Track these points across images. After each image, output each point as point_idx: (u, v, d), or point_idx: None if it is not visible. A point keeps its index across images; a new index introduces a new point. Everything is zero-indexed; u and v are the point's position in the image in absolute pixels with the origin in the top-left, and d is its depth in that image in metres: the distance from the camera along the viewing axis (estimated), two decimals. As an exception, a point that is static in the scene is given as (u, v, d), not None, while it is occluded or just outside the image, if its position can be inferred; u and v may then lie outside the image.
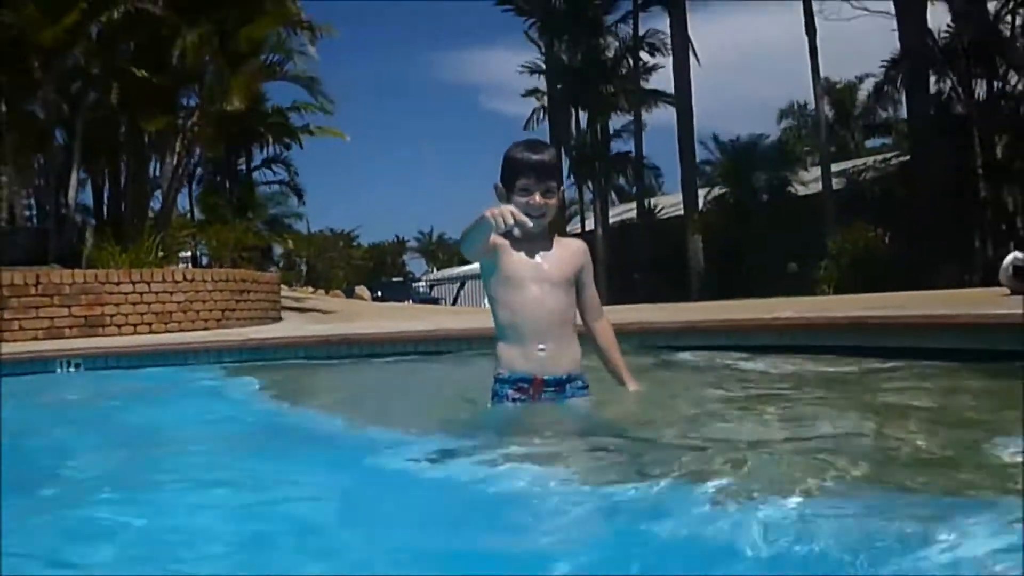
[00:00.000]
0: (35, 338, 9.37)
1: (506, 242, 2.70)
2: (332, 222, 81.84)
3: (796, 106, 37.85)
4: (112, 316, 9.96)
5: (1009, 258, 8.14)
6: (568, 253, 2.81)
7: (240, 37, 12.69)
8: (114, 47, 12.94)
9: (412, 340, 6.47)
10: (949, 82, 22.60)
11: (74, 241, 12.89)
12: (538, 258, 2.72)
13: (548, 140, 28.85)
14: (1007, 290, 8.12)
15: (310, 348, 6.79)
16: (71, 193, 13.32)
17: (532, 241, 2.73)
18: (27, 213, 14.14)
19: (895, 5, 19.39)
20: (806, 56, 22.11)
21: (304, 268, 29.76)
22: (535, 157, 2.73)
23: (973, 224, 21.23)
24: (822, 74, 23.10)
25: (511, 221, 2.46)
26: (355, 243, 63.49)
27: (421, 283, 49.03)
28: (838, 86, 30.25)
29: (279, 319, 12.75)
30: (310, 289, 24.28)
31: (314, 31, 15.41)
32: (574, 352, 2.74)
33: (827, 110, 32.50)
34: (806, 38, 22.16)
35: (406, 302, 30.94)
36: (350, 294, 24.34)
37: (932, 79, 22.22)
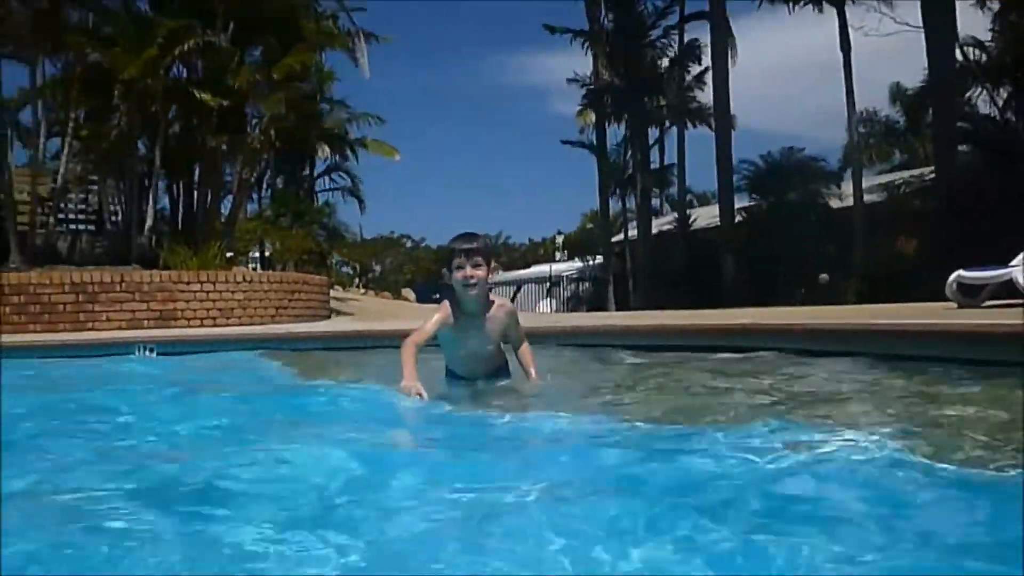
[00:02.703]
0: (119, 327, 11.04)
1: (451, 321, 3.86)
2: (397, 226, 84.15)
3: (865, 112, 36.58)
4: (183, 311, 11.60)
5: (953, 275, 9.12)
6: (496, 321, 4.00)
7: (282, 65, 14.35)
8: (188, 76, 14.75)
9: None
10: (985, 94, 23.01)
11: (152, 244, 14.65)
12: (473, 341, 3.96)
13: (596, 151, 30.11)
14: (955, 304, 9.11)
15: (327, 339, 8.28)
16: (151, 201, 15.11)
17: (469, 316, 3.89)
18: (113, 218, 15.96)
19: (923, 21, 19.90)
20: (866, 64, 22.22)
21: (355, 272, 31.50)
22: (464, 245, 3.88)
23: (1004, 241, 21.58)
24: (894, 79, 23.06)
25: (414, 395, 3.36)
26: (423, 245, 65.59)
27: (492, 276, 50.58)
28: (908, 92, 29.73)
29: (328, 316, 14.30)
30: (361, 291, 25.95)
31: (356, 47, 16.99)
32: (500, 367, 4.13)
33: (898, 117, 32.56)
34: (840, 55, 22.83)
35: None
36: (399, 295, 25.96)
37: (969, 93, 22.67)
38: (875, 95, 45.20)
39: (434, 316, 3.89)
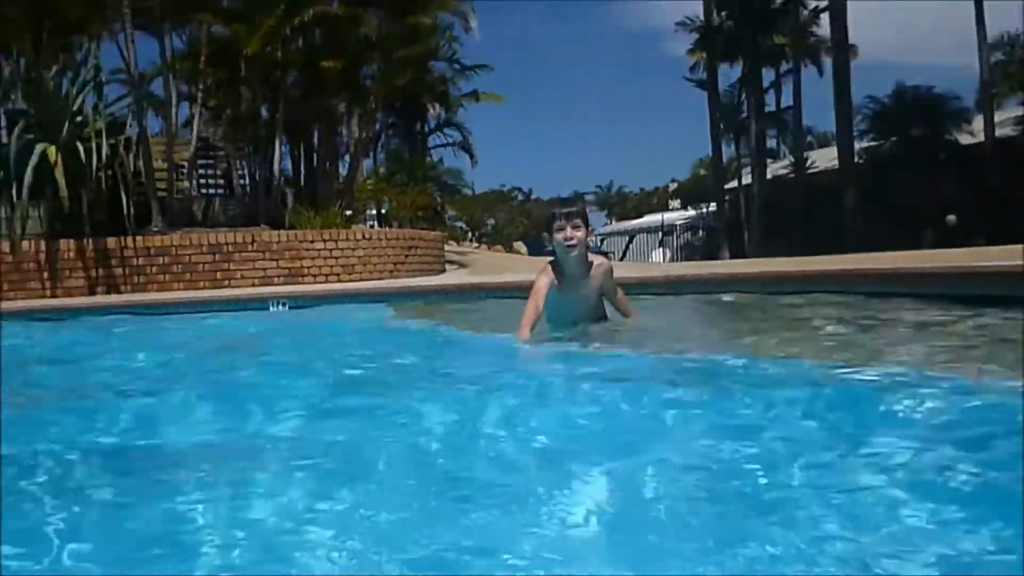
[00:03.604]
0: (252, 284, 11.82)
1: (554, 286, 4.12)
2: (509, 179, 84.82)
3: (1006, 37, 34.07)
4: (308, 268, 12.29)
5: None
6: (595, 278, 4.27)
7: (403, 25, 14.72)
8: (304, 41, 15.34)
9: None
10: None
11: (278, 205, 15.47)
12: (575, 298, 4.22)
13: (707, 94, 29.41)
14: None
15: (440, 292, 8.69)
16: (275, 164, 15.93)
17: (570, 276, 4.14)
18: (241, 182, 16.90)
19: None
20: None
21: (466, 227, 32.09)
22: (563, 209, 4.16)
23: None
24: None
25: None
26: (533, 198, 65.95)
27: (592, 237, 50.64)
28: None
29: (443, 271, 14.80)
30: (475, 245, 26.51)
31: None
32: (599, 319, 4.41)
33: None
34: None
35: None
36: (511, 249, 26.39)
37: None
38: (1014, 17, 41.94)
39: (540, 280, 4.12)
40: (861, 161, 23.52)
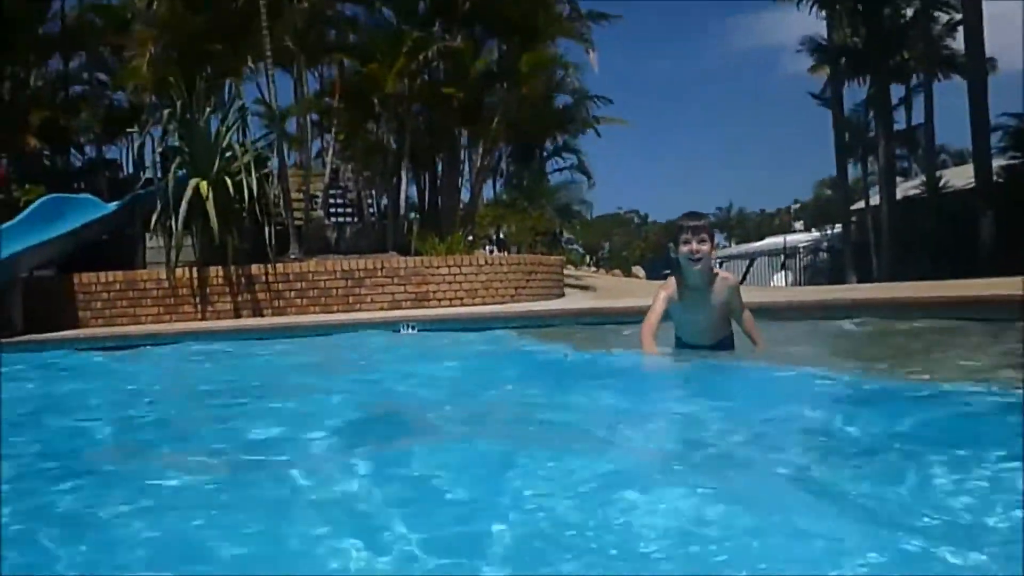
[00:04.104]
0: (382, 308, 12.42)
1: (675, 296, 4.32)
2: (626, 202, 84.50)
3: None
4: (434, 292, 12.80)
5: None
6: (719, 292, 4.36)
7: (522, 61, 15.21)
8: (430, 75, 16.07)
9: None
10: None
11: (404, 232, 16.16)
12: (699, 311, 4.37)
13: (832, 112, 28.62)
14: None
15: (560, 317, 8.92)
16: (402, 192, 16.68)
17: (694, 289, 4.29)
18: (370, 209, 17.77)
19: None
20: None
21: (581, 251, 32.30)
22: (690, 222, 4.28)
23: None
24: None
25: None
26: (650, 221, 65.65)
27: (712, 260, 49.87)
28: None
29: (562, 295, 15.06)
30: (593, 269, 26.69)
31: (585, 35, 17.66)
32: (725, 337, 4.51)
33: None
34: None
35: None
36: (629, 272, 26.43)
37: None
38: None
39: (660, 294, 4.32)
40: (1000, 180, 22.37)
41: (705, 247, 4.21)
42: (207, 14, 13.28)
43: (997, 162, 22.90)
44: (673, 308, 4.38)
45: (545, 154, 30.76)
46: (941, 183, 26.34)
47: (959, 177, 25.97)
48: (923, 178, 27.74)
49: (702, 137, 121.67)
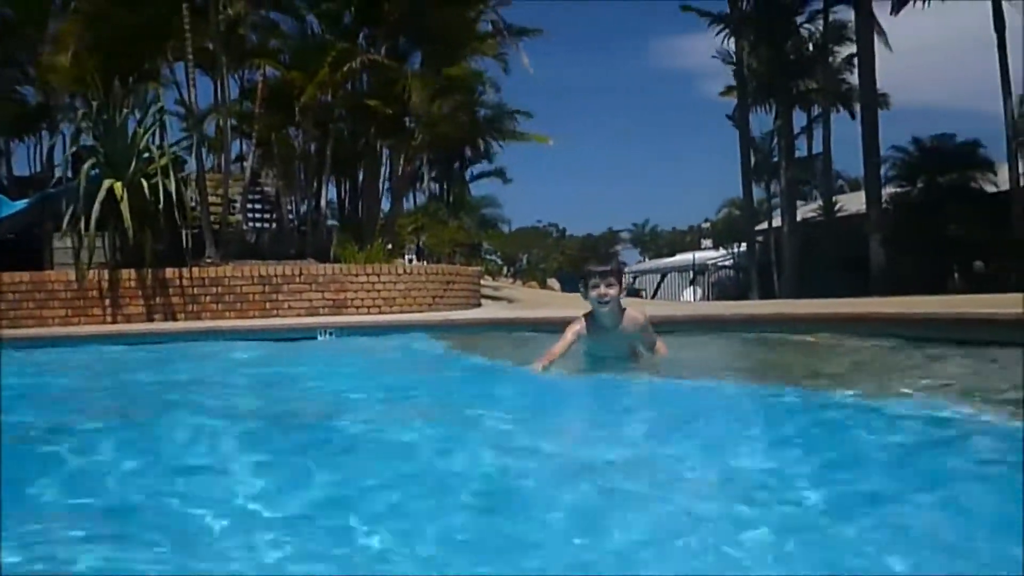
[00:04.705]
0: (299, 315, 12.50)
1: (584, 333, 4.55)
2: (544, 215, 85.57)
3: None
4: (352, 299, 12.95)
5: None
6: (628, 330, 4.65)
7: (443, 75, 15.59)
8: (354, 87, 16.25)
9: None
10: None
11: (324, 239, 16.25)
12: (609, 348, 4.66)
13: (739, 136, 29.92)
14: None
15: (474, 327, 9.28)
16: (322, 200, 16.76)
17: (604, 328, 4.56)
18: (290, 216, 17.76)
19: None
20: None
21: (500, 262, 32.80)
22: (598, 268, 4.61)
23: None
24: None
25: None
26: (567, 235, 66.69)
27: (625, 275, 51.12)
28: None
29: (479, 305, 15.40)
30: (510, 280, 27.17)
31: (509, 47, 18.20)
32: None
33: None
34: (994, 35, 21.81)
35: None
36: (544, 284, 27.01)
37: None
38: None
39: (568, 334, 4.52)
40: (888, 207, 23.87)
41: (612, 291, 4.48)
42: (130, 8, 13.12)
43: (887, 190, 24.41)
44: (584, 343, 4.64)
45: (465, 164, 31.16)
46: (837, 207, 27.86)
47: (854, 203, 27.56)
48: (821, 202, 29.28)
49: (620, 154, 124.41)
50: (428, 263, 19.30)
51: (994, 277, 20.19)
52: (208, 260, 13.63)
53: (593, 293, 4.52)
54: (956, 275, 22.08)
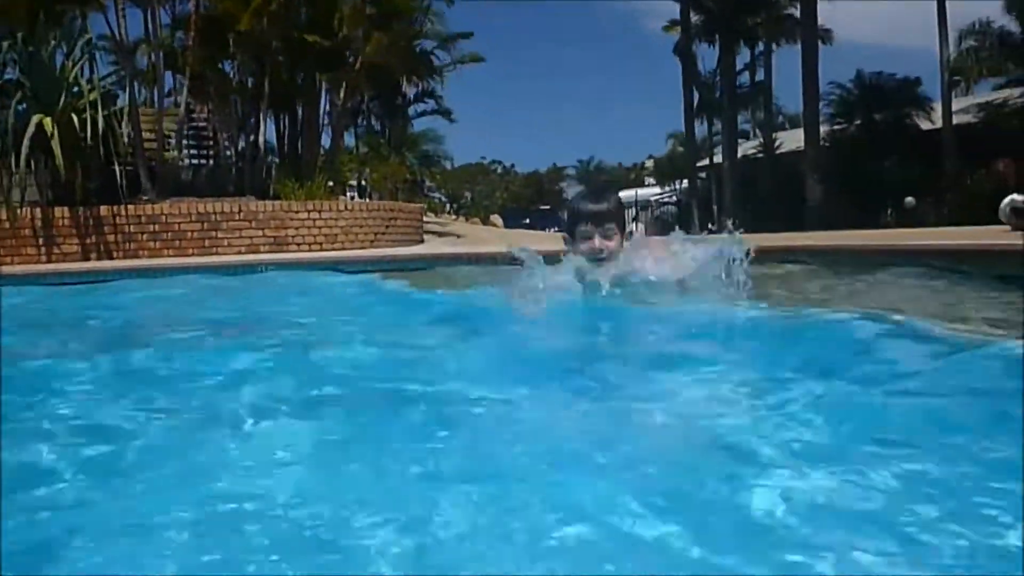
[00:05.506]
0: (239, 252, 12.45)
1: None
2: (489, 152, 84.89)
3: (978, 24, 33.83)
4: (293, 237, 12.93)
5: (1007, 199, 9.45)
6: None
7: (383, 4, 15.31)
8: (290, 19, 15.83)
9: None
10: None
11: (263, 175, 16.02)
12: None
13: (682, 72, 29.93)
14: (1008, 227, 9.48)
15: (415, 261, 9.40)
16: (260, 135, 16.46)
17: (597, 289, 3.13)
18: (227, 152, 17.40)
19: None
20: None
21: (444, 199, 32.72)
22: (593, 207, 3.10)
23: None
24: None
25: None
26: (513, 171, 66.48)
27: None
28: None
29: (421, 241, 15.48)
30: (453, 216, 27.18)
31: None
32: None
33: (1014, 27, 30.78)
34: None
35: (551, 229, 33.46)
36: (487, 221, 27.09)
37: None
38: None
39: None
40: (826, 144, 24.37)
41: (612, 243, 3.13)
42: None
43: (826, 128, 24.90)
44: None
45: (408, 100, 30.73)
46: (777, 145, 28.34)
47: (794, 140, 28.04)
48: (762, 139, 29.74)
49: (568, 92, 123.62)
50: (371, 200, 19.20)
51: (924, 212, 20.88)
52: (144, 198, 13.39)
53: (583, 247, 3.14)
54: (889, 211, 22.75)
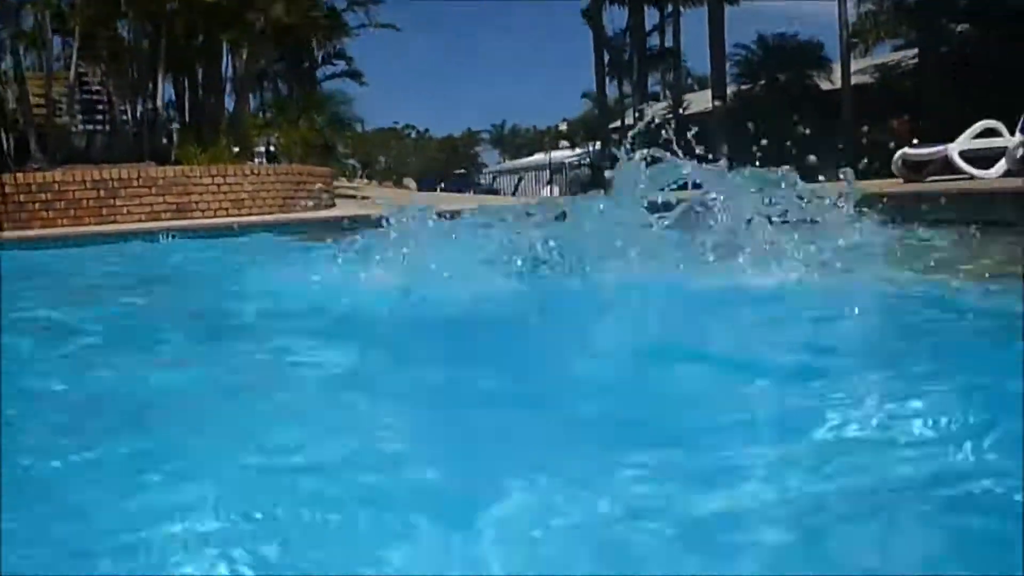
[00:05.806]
0: (139, 220, 12.00)
1: None
2: (404, 116, 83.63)
3: None
4: (197, 203, 12.51)
5: (899, 153, 9.92)
6: None
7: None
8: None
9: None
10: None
11: (163, 141, 15.45)
12: None
13: (593, 34, 29.98)
14: (901, 179, 9.94)
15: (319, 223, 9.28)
16: (159, 99, 15.82)
17: None
18: (123, 116, 16.68)
19: None
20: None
21: (355, 163, 32.11)
22: None
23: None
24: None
25: None
26: (427, 135, 65.78)
27: (484, 175, 51.39)
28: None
29: (332, 205, 15.20)
30: (366, 181, 26.77)
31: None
32: None
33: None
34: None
35: (467, 192, 33.32)
36: (400, 185, 26.80)
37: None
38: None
39: None
40: (732, 104, 24.86)
41: None
42: None
43: (732, 88, 25.37)
44: None
45: (315, 63, 29.82)
46: (685, 106, 28.74)
47: (702, 101, 28.48)
48: (671, 100, 30.14)
49: (481, 55, 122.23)
50: (280, 164, 18.71)
51: (823, 170, 21.54)
52: (34, 166, 12.76)
53: None
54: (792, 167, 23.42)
